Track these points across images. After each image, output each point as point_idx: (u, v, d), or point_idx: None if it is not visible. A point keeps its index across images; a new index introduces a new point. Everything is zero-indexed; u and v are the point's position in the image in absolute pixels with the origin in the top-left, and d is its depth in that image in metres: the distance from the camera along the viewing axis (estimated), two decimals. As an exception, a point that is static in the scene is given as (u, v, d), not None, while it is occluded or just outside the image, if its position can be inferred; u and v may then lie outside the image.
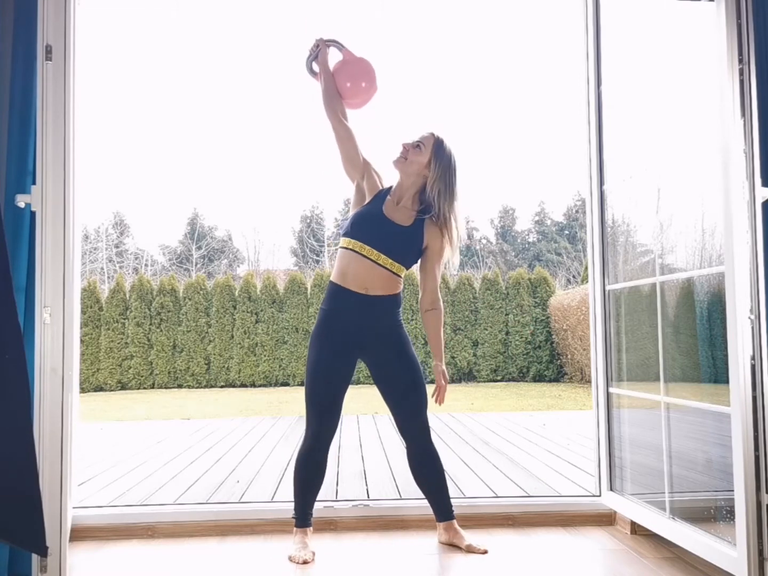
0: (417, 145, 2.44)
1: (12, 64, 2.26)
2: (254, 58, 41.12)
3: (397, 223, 2.42)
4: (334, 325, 2.42)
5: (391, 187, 2.50)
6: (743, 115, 1.97)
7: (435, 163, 2.42)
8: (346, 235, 2.45)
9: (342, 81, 2.52)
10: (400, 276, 2.43)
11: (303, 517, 2.43)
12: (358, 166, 2.50)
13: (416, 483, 2.51)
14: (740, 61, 1.98)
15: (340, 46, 2.56)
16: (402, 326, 2.49)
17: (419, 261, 2.52)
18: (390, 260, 2.38)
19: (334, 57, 2.57)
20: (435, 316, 2.49)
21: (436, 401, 2.43)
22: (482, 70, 41.29)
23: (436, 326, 2.50)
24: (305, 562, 2.28)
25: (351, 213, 2.53)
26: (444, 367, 2.49)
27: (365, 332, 2.42)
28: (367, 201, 2.50)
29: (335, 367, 2.41)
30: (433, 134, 2.47)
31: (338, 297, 2.42)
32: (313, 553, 2.34)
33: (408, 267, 2.47)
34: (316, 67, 2.58)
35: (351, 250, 2.40)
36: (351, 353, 2.44)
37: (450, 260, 2.51)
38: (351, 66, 2.53)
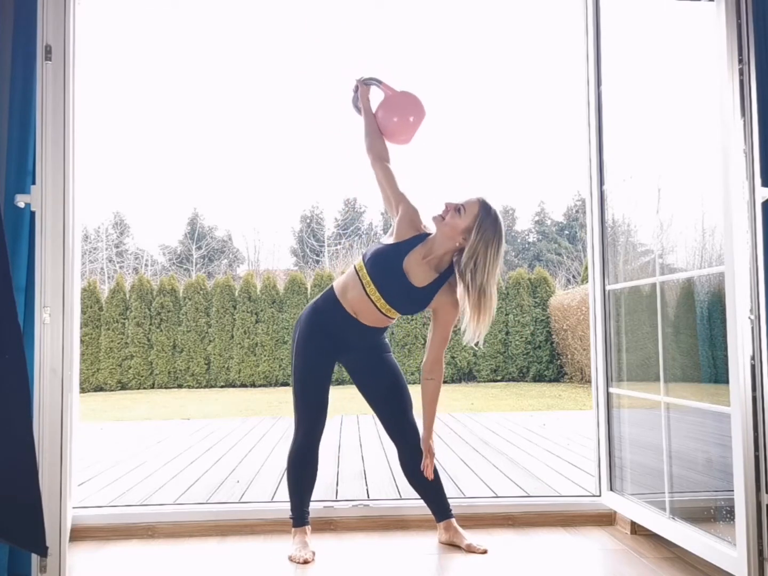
0: (458, 209, 2.30)
1: (12, 64, 2.26)
2: (254, 58, 41.13)
3: (411, 281, 2.33)
4: (320, 326, 2.43)
5: (429, 235, 2.38)
6: (743, 115, 1.97)
7: (476, 235, 2.26)
8: (363, 258, 2.40)
9: (388, 118, 2.46)
10: (392, 318, 2.43)
11: (300, 516, 2.44)
12: (393, 208, 2.44)
13: (411, 486, 2.52)
14: (740, 61, 1.98)
15: (377, 83, 2.50)
16: (384, 336, 2.51)
17: (432, 319, 2.43)
18: (388, 306, 2.36)
19: (378, 95, 2.52)
20: (432, 386, 2.41)
21: (425, 474, 2.43)
22: (482, 70, 41.29)
23: (431, 397, 2.42)
24: (306, 562, 2.28)
25: (393, 226, 2.42)
26: (432, 441, 2.43)
27: (348, 341, 2.45)
28: (403, 234, 2.38)
29: (322, 366, 2.45)
30: (479, 201, 2.31)
31: (330, 304, 2.42)
32: (313, 553, 2.34)
33: (404, 315, 2.45)
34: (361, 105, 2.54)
35: (359, 277, 2.37)
36: (333, 353, 2.47)
37: (479, 334, 2.32)
38: (394, 101, 2.47)
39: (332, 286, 2.46)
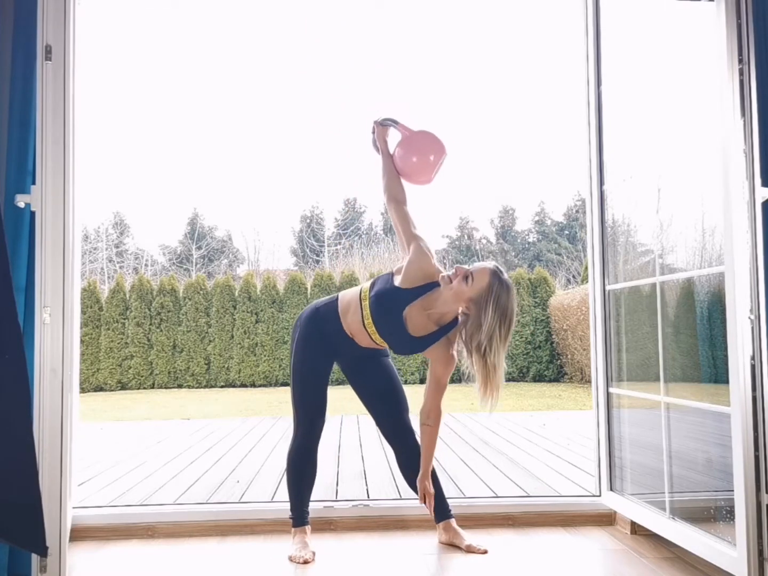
0: (467, 276, 2.21)
1: (12, 64, 2.26)
2: (254, 58, 41.12)
3: (409, 329, 2.30)
4: (318, 330, 2.44)
5: (436, 285, 2.30)
6: (743, 115, 1.97)
7: (487, 311, 2.17)
8: (370, 287, 2.37)
9: (407, 158, 2.41)
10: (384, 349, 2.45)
11: (300, 516, 2.44)
12: (405, 248, 2.40)
13: (411, 487, 2.52)
14: (740, 61, 1.98)
15: (394, 123, 2.47)
16: None
17: (429, 366, 2.41)
18: (384, 342, 2.38)
19: (395, 135, 2.49)
20: (429, 432, 2.37)
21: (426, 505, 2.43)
22: (482, 70, 41.28)
23: (429, 442, 2.38)
24: (306, 562, 2.28)
25: (403, 266, 2.34)
26: (428, 482, 2.41)
27: (344, 350, 2.47)
28: (411, 282, 2.31)
29: (321, 367, 2.46)
30: (490, 271, 2.21)
31: (331, 316, 2.43)
32: (314, 553, 2.34)
33: (397, 354, 2.45)
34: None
35: (361, 307, 2.36)
36: (331, 355, 2.49)
37: (490, 404, 2.28)
38: (412, 141, 2.42)
39: (338, 297, 2.46)
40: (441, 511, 2.48)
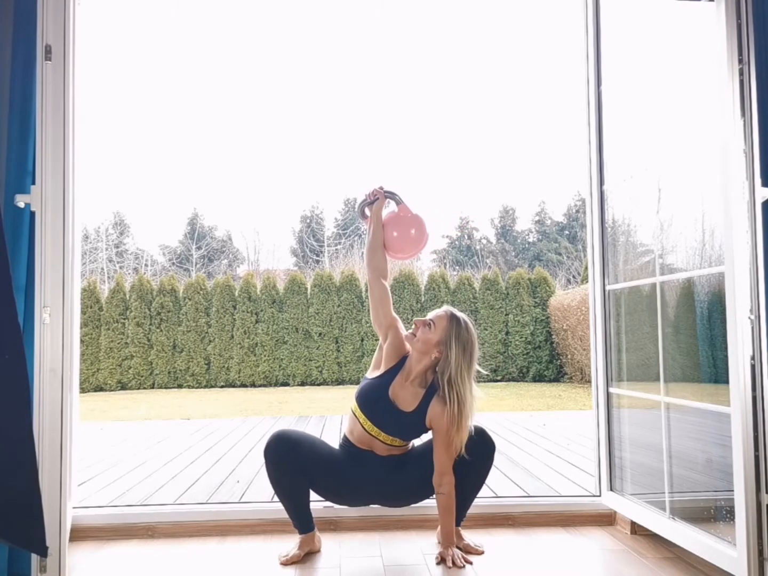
0: (427, 324, 2.35)
1: (12, 64, 2.26)
2: (254, 57, 41.13)
3: (401, 407, 2.35)
4: (353, 468, 2.41)
5: (405, 359, 2.40)
6: (743, 115, 1.97)
7: (447, 346, 2.30)
8: (356, 400, 2.41)
9: (390, 232, 2.47)
10: (403, 445, 2.42)
11: (303, 524, 2.42)
12: (382, 327, 2.43)
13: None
14: (740, 61, 1.98)
15: (399, 200, 2.50)
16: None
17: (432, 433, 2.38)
18: (390, 437, 2.38)
19: (389, 208, 2.55)
20: (444, 500, 2.32)
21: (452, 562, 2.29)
22: (483, 70, 41.29)
23: (445, 509, 2.33)
24: (291, 562, 2.30)
25: (380, 355, 2.44)
26: (452, 549, 2.31)
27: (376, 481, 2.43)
28: (388, 363, 2.40)
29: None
30: (447, 313, 2.36)
31: (348, 449, 2.44)
32: (304, 555, 2.35)
33: (410, 440, 2.44)
34: (368, 212, 2.54)
35: (356, 417, 2.40)
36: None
37: (455, 440, 2.29)
38: (405, 221, 2.48)
39: (346, 436, 2.47)
40: (457, 516, 2.43)
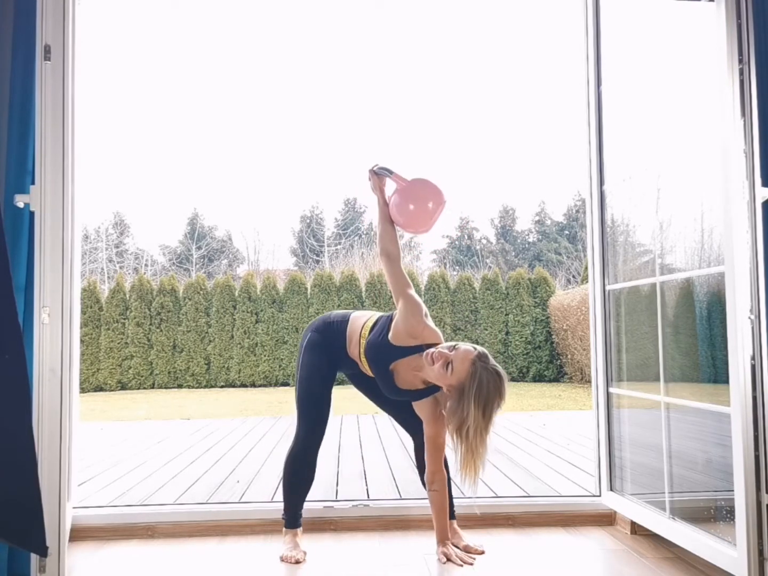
0: (447, 364, 2.11)
1: (11, 64, 2.26)
2: (254, 57, 41.12)
3: (396, 381, 2.33)
4: (326, 343, 2.44)
5: (422, 349, 2.25)
6: (743, 115, 1.97)
7: (464, 399, 2.06)
8: (371, 329, 2.34)
9: (403, 207, 2.32)
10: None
11: (293, 518, 2.44)
12: (396, 301, 2.31)
13: (422, 481, 2.49)
14: (740, 61, 1.97)
15: (388, 173, 2.39)
16: None
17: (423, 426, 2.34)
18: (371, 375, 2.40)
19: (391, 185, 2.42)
20: (436, 497, 2.32)
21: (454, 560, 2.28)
22: (483, 70, 41.28)
23: (438, 507, 2.33)
24: (297, 562, 2.29)
25: (394, 320, 2.28)
26: (449, 545, 2.31)
27: (349, 364, 2.46)
28: (400, 340, 2.25)
29: (328, 372, 2.45)
30: (470, 361, 2.09)
31: (340, 336, 2.43)
32: (305, 553, 2.35)
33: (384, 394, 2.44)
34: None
35: (359, 345, 2.37)
36: (335, 366, 2.49)
37: (471, 481, 2.12)
38: (408, 190, 2.33)
39: (349, 320, 2.44)
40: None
